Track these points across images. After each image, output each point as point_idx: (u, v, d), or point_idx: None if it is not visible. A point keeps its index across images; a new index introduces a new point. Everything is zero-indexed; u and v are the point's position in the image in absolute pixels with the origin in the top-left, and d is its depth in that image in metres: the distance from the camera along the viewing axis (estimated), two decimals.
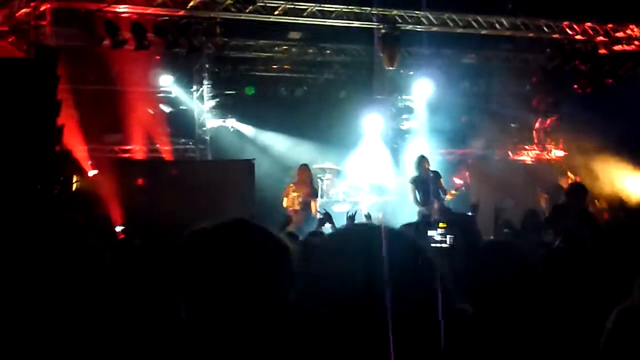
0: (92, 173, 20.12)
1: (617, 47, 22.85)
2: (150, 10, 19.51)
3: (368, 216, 15.96)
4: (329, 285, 1.84)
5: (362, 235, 1.90)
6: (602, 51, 22.69)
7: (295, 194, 18.82)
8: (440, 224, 6.37)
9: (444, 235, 6.20)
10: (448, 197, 18.17)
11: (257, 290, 2.40)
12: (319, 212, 11.95)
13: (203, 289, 2.42)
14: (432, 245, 6.00)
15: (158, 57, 21.67)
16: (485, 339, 3.31)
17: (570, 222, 9.37)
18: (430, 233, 6.20)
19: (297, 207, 18.44)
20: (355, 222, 10.84)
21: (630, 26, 22.72)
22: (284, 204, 18.93)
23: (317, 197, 19.41)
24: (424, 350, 1.80)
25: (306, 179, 19.38)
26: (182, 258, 2.57)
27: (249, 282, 2.41)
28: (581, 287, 4.58)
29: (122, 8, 19.07)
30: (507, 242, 4.59)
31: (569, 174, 19.54)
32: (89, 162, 20.17)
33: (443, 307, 1.82)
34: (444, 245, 6.11)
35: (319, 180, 21.24)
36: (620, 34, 22.80)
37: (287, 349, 2.01)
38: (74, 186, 18.78)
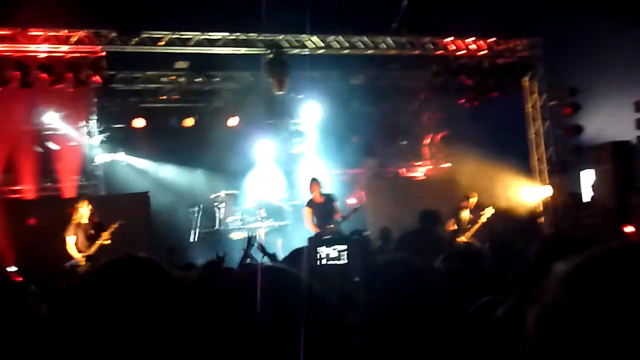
0: None
1: (500, 61, 23.36)
2: (33, 47, 19.24)
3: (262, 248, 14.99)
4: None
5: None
6: (486, 65, 23.15)
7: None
8: (336, 242, 6.36)
9: (339, 252, 6.17)
10: (342, 219, 18.10)
11: (151, 326, 2.35)
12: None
13: (98, 332, 2.36)
14: (329, 262, 5.99)
15: (43, 94, 21.28)
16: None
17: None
18: (325, 251, 6.16)
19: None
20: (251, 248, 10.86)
21: (512, 40, 23.28)
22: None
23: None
24: None
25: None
26: (71, 300, 2.51)
27: (140, 320, 2.36)
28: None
29: (4, 47, 18.76)
30: (408, 258, 4.50)
31: (470, 198, 19.63)
32: None
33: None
34: (339, 262, 6.09)
35: (215, 209, 21.18)
36: (502, 48, 23.32)
37: None
38: None
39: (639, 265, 1.51)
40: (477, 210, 19.16)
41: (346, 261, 6.08)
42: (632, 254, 1.54)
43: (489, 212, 18.79)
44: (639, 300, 1.45)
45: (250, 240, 10.99)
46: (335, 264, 6.03)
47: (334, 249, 6.15)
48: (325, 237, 13.37)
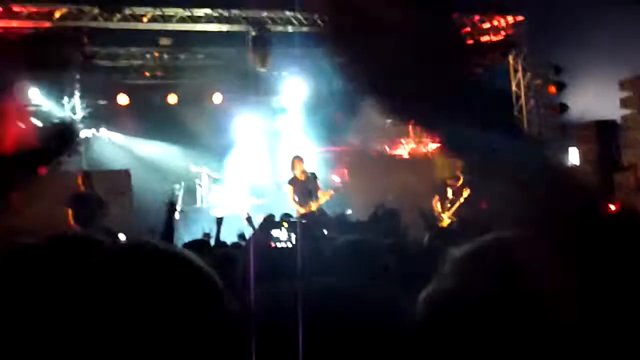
0: None
1: (484, 39, 23.33)
2: (15, 24, 19.15)
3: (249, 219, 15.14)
4: None
5: None
6: (469, 42, 23.12)
7: None
8: (284, 223, 6.34)
9: (288, 234, 6.17)
10: (325, 197, 17.96)
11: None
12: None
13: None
14: (278, 245, 6.00)
15: (27, 71, 21.19)
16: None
17: None
18: (275, 233, 6.17)
19: None
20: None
21: (496, 17, 23.25)
22: None
23: None
24: None
25: None
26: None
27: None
28: None
29: None
30: (358, 240, 4.46)
31: (459, 176, 19.51)
32: None
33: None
34: (287, 244, 6.08)
35: (197, 186, 21.18)
36: (486, 25, 23.29)
37: None
38: None
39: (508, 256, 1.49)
40: (459, 189, 19.14)
41: (292, 244, 6.08)
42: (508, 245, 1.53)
43: (466, 192, 18.77)
44: (514, 290, 1.45)
45: (220, 221, 11.02)
46: (284, 247, 6.03)
47: (283, 231, 6.17)
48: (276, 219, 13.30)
